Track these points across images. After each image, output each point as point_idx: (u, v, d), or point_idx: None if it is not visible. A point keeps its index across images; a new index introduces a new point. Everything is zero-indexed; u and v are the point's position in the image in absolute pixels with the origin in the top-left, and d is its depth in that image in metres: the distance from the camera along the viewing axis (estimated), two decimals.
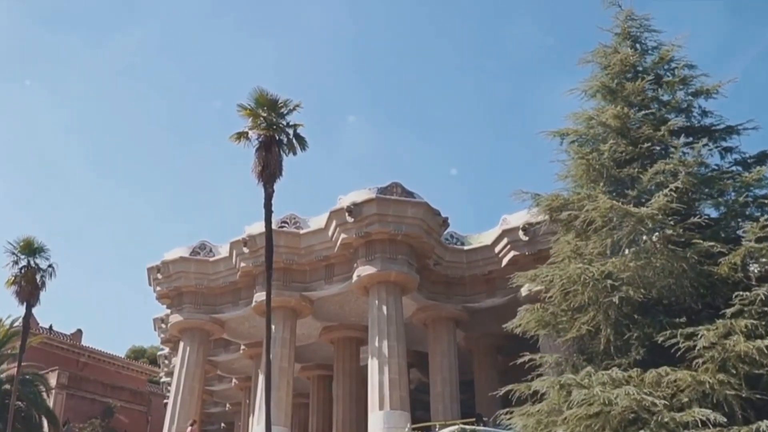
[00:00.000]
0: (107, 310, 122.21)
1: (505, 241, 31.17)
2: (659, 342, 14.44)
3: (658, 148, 17.59)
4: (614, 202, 15.22)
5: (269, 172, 23.94)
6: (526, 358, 17.25)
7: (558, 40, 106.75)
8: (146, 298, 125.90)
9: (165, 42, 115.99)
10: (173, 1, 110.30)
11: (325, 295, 32.12)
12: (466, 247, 33.06)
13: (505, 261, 31.54)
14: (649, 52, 20.13)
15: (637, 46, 20.16)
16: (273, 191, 24.22)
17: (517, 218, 31.18)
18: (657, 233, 15.10)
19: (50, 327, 56.53)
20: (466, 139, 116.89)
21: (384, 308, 28.86)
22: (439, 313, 32.89)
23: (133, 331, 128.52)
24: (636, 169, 17.04)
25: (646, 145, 17.26)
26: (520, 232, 30.36)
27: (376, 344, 28.40)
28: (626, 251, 16.57)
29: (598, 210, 15.37)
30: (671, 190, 14.79)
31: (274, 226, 31.88)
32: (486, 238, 33.11)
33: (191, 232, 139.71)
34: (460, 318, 33.22)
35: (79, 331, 62.50)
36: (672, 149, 17.43)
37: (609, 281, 15.01)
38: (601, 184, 16.97)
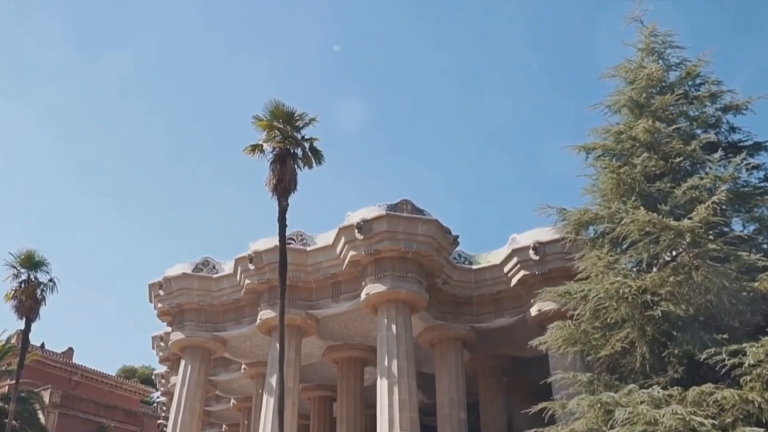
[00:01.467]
0: (97, 329, 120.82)
1: (514, 260, 30.76)
2: (700, 360, 14.08)
3: (688, 163, 17.38)
4: (653, 215, 14.89)
5: (284, 186, 23.53)
6: (557, 377, 16.80)
7: (544, 64, 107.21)
8: (137, 317, 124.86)
9: (160, 58, 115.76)
10: (168, 18, 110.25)
11: (331, 314, 31.51)
12: (474, 267, 32.60)
13: (514, 281, 31.15)
14: (673, 68, 20.01)
15: (660, 61, 20.04)
16: (287, 205, 23.82)
17: (527, 237, 30.83)
18: (696, 248, 14.74)
19: (42, 345, 55.58)
20: (464, 159, 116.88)
21: (393, 327, 28.29)
22: (447, 333, 32.31)
23: (124, 350, 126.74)
24: (668, 184, 16.79)
25: (677, 159, 17.02)
26: (531, 252, 29.95)
27: (385, 364, 27.78)
28: (654, 267, 16.28)
29: (636, 223, 15.02)
30: (714, 203, 14.46)
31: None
32: (494, 257, 32.69)
33: (181, 250, 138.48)
34: (468, 338, 32.67)
35: (70, 350, 61.64)
36: (705, 164, 17.27)
37: (648, 296, 14.63)
38: (633, 198, 16.66)
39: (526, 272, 30.34)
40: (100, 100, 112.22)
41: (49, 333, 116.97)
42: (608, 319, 15.46)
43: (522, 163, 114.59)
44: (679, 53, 20.24)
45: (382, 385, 27.52)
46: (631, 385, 13.95)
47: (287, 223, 24.56)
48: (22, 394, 36.23)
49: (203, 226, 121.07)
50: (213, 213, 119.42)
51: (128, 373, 73.59)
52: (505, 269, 31.48)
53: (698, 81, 19.48)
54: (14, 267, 31.85)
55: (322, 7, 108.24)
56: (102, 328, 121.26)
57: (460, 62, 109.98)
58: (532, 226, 31.33)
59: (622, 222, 15.34)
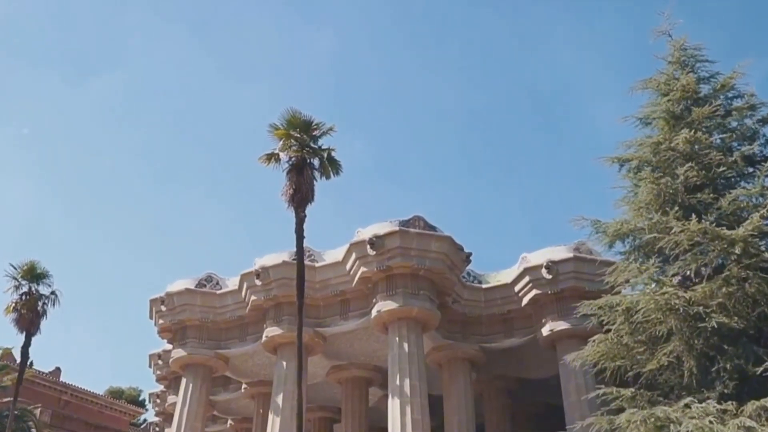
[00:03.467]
0: (83, 349, 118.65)
1: (526, 279, 30.26)
2: (754, 373, 13.62)
3: (731, 174, 17.01)
4: (705, 224, 14.43)
5: (301, 196, 22.93)
6: (601, 392, 16.12)
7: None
8: (124, 338, 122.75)
9: (148, 83, 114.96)
10: (158, 44, 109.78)
11: (339, 332, 30.73)
12: (484, 286, 32.05)
13: (525, 300, 30.65)
14: (703, 81, 19.75)
15: (691, 74, 19.77)
16: (305, 216, 23.18)
17: (538, 256, 30.39)
18: (748, 258, 14.27)
19: (30, 363, 54.15)
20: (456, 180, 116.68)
21: (405, 346, 27.58)
22: (455, 353, 31.65)
23: (110, 371, 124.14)
24: (709, 195, 16.38)
25: (720, 170, 16.64)
26: (543, 270, 29.46)
27: (397, 383, 27.02)
28: (694, 279, 15.82)
29: (687, 233, 14.54)
30: None
31: (287, 259, 30.86)
32: (504, 276, 32.21)
33: (167, 271, 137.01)
34: (476, 359, 32.03)
35: (58, 369, 60.31)
36: (745, 176, 16.96)
37: (700, 308, 14.10)
38: (675, 209, 16.19)
39: (538, 291, 29.85)
40: (89, 121, 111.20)
41: (33, 352, 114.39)
42: (657, 332, 14.90)
43: (521, 181, 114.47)
44: (707, 67, 20.02)
45: (393, 405, 26.76)
46: (687, 399, 13.40)
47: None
48: (16, 412, 35.13)
49: (186, 249, 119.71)
50: (196, 236, 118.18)
51: (115, 394, 71.95)
52: (516, 288, 30.98)
53: (730, 94, 19.22)
54: (15, 279, 30.85)
55: (316, 32, 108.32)
56: (88, 349, 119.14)
57: (457, 80, 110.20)
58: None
59: (672, 231, 14.82)
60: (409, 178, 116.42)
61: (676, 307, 14.19)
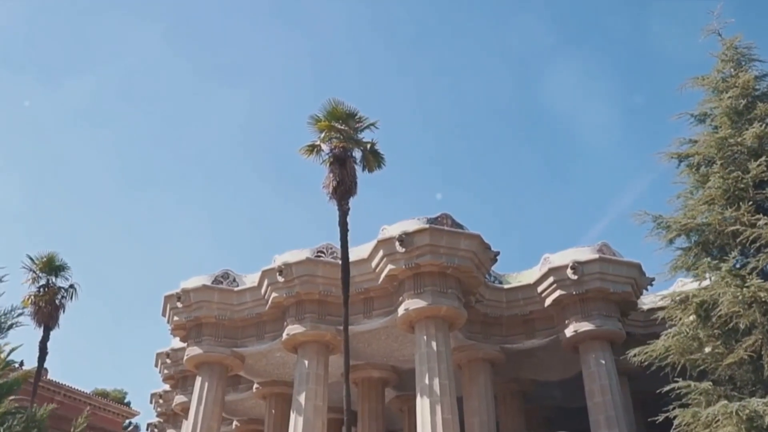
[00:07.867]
0: (66, 351, 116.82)
1: (550, 280, 30.17)
2: None
3: None
4: None
5: (344, 188, 22.53)
6: (672, 386, 15.92)
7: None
8: (109, 340, 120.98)
9: (123, 86, 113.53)
10: (133, 46, 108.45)
11: (362, 331, 30.25)
12: (506, 286, 31.90)
13: (548, 301, 30.57)
14: (757, 79, 19.79)
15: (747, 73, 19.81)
16: (349, 208, 22.77)
17: (561, 257, 30.36)
18: None
19: (21, 363, 53.00)
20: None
21: (433, 344, 27.23)
22: (476, 354, 31.43)
23: (93, 373, 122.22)
24: None
25: None
26: (569, 271, 29.43)
27: (426, 382, 26.69)
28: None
29: None
30: None
31: (309, 255, 30.42)
32: (525, 277, 32.12)
33: (148, 277, 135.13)
34: (497, 360, 31.84)
35: (45, 370, 59.15)
36: None
37: None
38: (749, 203, 16.11)
39: (563, 292, 29.78)
40: (59, 125, 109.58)
41: (24, 353, 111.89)
42: (734, 326, 14.76)
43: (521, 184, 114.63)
44: (759, 66, 20.08)
45: (423, 404, 26.44)
46: None
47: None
48: (24, 410, 34.21)
49: (163, 254, 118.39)
50: (171, 241, 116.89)
51: (100, 396, 70.94)
52: (539, 289, 30.86)
53: None
54: (33, 271, 29.96)
55: (294, 35, 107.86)
56: (70, 351, 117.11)
57: (459, 78, 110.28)
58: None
59: (758, 224, 14.72)
60: (406, 178, 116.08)
61: (763, 299, 14.05)
